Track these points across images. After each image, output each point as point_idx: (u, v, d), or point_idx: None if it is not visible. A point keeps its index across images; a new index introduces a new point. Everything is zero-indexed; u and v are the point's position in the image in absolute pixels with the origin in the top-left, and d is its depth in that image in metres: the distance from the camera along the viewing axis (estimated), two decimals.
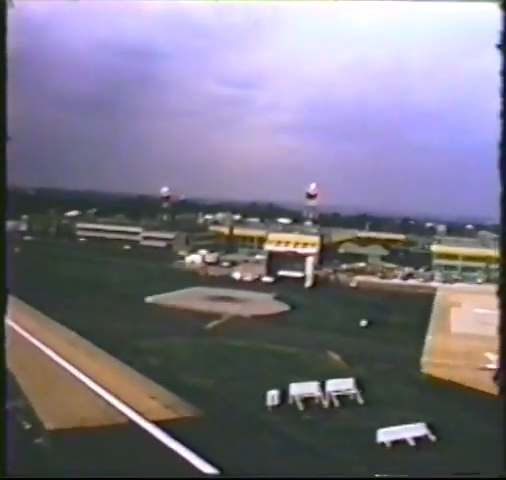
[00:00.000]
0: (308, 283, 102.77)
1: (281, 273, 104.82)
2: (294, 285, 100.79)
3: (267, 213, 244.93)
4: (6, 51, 18.68)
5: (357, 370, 53.33)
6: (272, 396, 41.78)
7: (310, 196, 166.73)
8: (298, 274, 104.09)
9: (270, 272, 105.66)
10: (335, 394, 43.61)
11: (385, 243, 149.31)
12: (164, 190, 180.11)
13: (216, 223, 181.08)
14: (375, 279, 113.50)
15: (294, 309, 79.55)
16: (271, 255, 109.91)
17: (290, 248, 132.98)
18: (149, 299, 78.43)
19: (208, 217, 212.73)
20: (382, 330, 71.72)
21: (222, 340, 60.83)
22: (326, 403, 42.84)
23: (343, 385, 44.68)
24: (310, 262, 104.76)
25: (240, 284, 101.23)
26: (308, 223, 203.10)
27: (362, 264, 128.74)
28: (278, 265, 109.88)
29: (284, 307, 79.55)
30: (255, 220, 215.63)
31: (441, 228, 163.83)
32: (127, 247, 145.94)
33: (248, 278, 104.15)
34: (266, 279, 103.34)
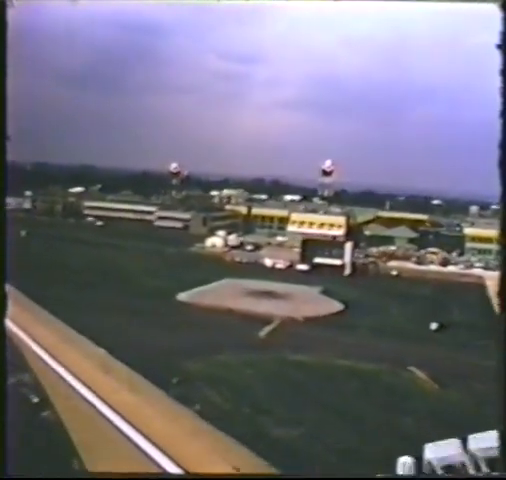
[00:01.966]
0: (347, 271, 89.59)
1: (317, 260, 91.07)
2: (332, 273, 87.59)
3: (273, 189, 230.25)
4: (6, 51, 16.52)
5: (456, 395, 41.09)
6: (405, 464, 28.55)
7: (325, 173, 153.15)
8: (335, 261, 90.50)
9: (304, 258, 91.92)
10: (481, 455, 30.45)
11: (410, 224, 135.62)
12: (173, 166, 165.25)
13: (228, 200, 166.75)
14: (412, 265, 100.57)
15: (348, 308, 66.25)
16: (305, 240, 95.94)
17: (315, 230, 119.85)
18: (181, 297, 64.78)
19: (215, 193, 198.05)
20: (454, 334, 59.23)
21: (284, 355, 47.66)
22: (472, 469, 29.73)
23: (487, 441, 31.45)
24: (349, 248, 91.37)
25: (272, 272, 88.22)
26: (316, 200, 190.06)
27: (393, 247, 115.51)
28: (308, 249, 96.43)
29: (336, 305, 66.25)
30: (263, 197, 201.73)
31: (474, 209, 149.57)
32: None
33: (281, 265, 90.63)
34: (301, 267, 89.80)
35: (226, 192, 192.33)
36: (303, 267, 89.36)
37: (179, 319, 56.38)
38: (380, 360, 48.14)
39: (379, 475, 26.75)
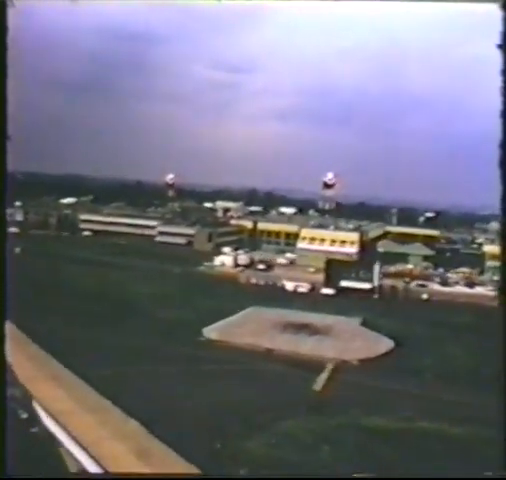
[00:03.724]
0: (377, 295, 79.23)
1: (344, 284, 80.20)
2: (359, 298, 77.20)
3: (267, 201, 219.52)
4: (6, 51, 16.36)
5: None
6: None
7: (327, 185, 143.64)
8: (364, 285, 79.85)
9: (329, 281, 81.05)
10: None
11: (421, 240, 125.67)
12: (169, 177, 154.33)
13: (227, 212, 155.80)
14: (438, 287, 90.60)
15: (399, 345, 55.51)
16: (329, 261, 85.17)
17: (326, 246, 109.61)
18: (208, 333, 53.55)
19: (209, 205, 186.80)
20: None
21: (356, 418, 36.97)
22: None
23: None
24: (377, 271, 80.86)
25: (294, 296, 77.71)
26: (311, 212, 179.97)
27: (410, 266, 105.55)
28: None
29: (386, 342, 55.52)
30: (256, 208, 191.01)
31: (494, 225, 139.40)
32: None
33: (303, 289, 79.79)
34: (326, 291, 78.93)
35: (221, 204, 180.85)
36: (329, 291, 78.57)
37: (213, 366, 45.03)
38: (466, 419, 38.00)
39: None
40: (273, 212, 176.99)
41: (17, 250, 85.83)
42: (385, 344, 54.55)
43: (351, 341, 54.19)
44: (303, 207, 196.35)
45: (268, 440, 32.15)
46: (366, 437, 34.22)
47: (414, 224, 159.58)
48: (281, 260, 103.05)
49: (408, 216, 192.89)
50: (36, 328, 47.79)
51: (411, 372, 47.98)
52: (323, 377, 43.78)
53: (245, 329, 55.33)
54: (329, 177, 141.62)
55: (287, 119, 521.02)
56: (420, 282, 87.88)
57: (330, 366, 46.34)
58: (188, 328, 55.00)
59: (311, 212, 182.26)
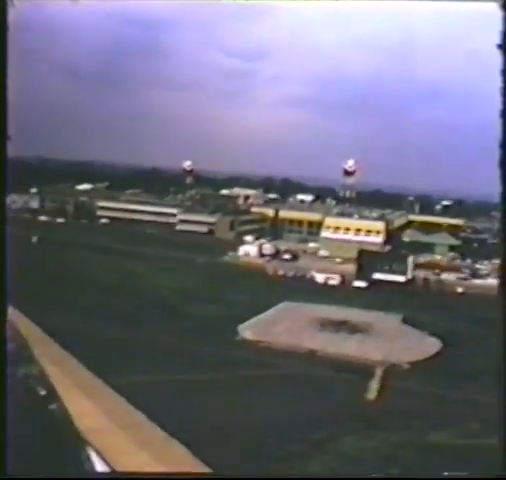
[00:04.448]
0: (410, 287, 74.97)
1: (377, 276, 75.71)
2: (390, 289, 72.99)
3: (282, 188, 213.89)
4: (7, 50, 15.48)
5: None
6: None
7: (347, 173, 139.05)
8: (398, 278, 75.37)
9: (361, 272, 76.54)
10: None
11: (445, 229, 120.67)
12: (187, 163, 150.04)
13: (247, 199, 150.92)
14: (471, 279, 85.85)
15: (448, 345, 51.03)
16: (361, 252, 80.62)
17: (351, 235, 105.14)
18: (243, 332, 49.28)
19: (225, 192, 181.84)
20: None
21: (420, 435, 32.67)
22: None
23: None
24: (411, 263, 76.33)
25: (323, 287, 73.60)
26: (329, 200, 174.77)
27: (438, 257, 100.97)
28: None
29: (432, 342, 51.13)
30: (272, 196, 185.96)
31: None
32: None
33: (334, 282, 75.34)
34: (358, 284, 74.49)
35: (238, 191, 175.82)
36: (361, 284, 74.13)
37: (255, 371, 40.71)
38: None
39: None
40: (291, 199, 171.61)
41: (34, 239, 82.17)
42: (432, 344, 50.19)
43: (394, 340, 49.87)
44: (319, 194, 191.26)
45: (330, 462, 27.92)
46: (434, 457, 29.89)
47: (431, 212, 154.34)
48: (322, 252, 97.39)
49: (424, 204, 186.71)
50: (55, 325, 43.60)
51: (465, 376, 43.60)
52: (374, 385, 39.44)
53: (281, 327, 51.09)
54: (349, 164, 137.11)
55: (301, 107, 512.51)
56: (462, 275, 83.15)
57: (380, 371, 41.97)
58: (220, 325, 50.81)
59: (328, 200, 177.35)
